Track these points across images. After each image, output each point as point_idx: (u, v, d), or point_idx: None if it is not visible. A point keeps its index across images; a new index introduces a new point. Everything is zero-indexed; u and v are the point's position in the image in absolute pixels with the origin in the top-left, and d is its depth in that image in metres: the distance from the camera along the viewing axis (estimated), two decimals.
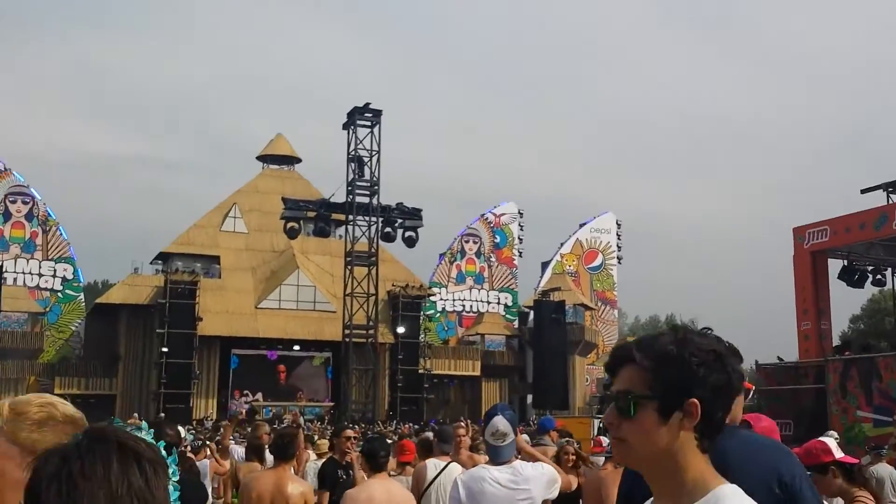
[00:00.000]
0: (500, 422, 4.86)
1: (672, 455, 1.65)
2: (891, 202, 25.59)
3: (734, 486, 1.68)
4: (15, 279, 46.81)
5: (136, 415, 34.79)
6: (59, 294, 48.84)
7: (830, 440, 5.18)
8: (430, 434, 9.63)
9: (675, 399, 1.65)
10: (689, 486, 1.65)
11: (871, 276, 25.96)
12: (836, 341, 23.18)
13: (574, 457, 7.29)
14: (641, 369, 1.68)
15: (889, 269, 27.41)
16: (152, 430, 1.56)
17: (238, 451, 10.87)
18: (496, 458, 4.83)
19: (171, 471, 1.46)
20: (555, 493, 4.90)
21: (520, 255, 61.34)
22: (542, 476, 4.83)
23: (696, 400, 1.64)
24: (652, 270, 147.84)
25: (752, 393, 2.99)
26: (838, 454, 4.84)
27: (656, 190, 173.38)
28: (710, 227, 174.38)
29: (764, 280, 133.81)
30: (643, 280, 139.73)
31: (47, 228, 49.01)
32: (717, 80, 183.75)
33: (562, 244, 64.35)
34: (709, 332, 1.76)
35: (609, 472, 5.36)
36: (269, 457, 8.63)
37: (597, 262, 64.43)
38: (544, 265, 63.46)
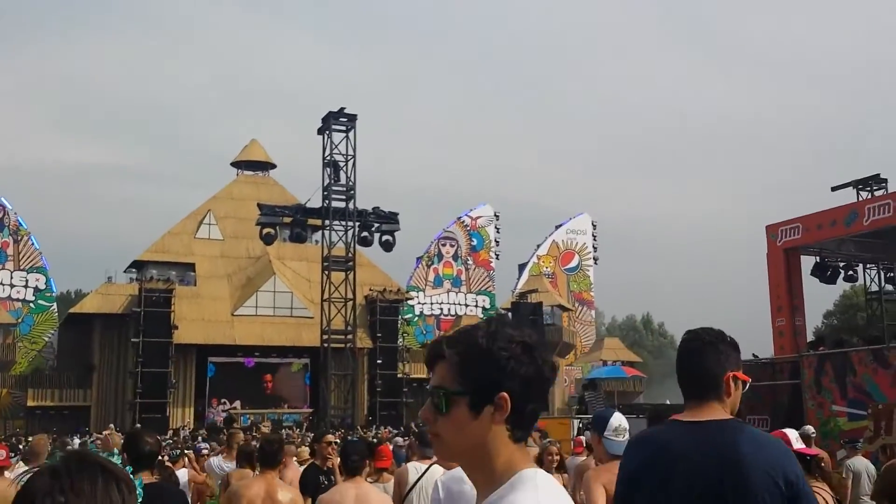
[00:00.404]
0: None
1: (485, 447, 1.68)
2: (860, 199, 25.94)
3: (538, 469, 1.70)
4: None
5: (111, 425, 34.47)
6: (32, 304, 48.29)
7: (791, 431, 5.30)
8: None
9: (486, 393, 1.67)
10: (498, 474, 1.67)
11: (843, 272, 26.24)
12: (810, 337, 23.41)
13: (558, 457, 7.33)
14: (452, 365, 1.70)
15: (860, 265, 27.74)
16: (121, 456, 1.84)
17: (217, 461, 10.77)
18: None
19: (138, 492, 1.75)
20: None
21: (497, 258, 61.50)
22: None
23: (505, 393, 1.66)
24: (628, 271, 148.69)
25: (747, 385, 3.02)
26: (797, 445, 4.95)
27: (632, 191, 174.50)
28: (685, 227, 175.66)
29: (738, 278, 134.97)
30: (620, 280, 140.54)
31: (18, 238, 48.44)
32: (698, 81, 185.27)
33: (538, 246, 64.59)
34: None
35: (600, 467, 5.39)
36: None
37: (573, 264, 64.72)
38: (521, 267, 63.67)
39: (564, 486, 6.89)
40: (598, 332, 68.49)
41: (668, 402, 40.29)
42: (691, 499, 2.72)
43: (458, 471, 4.97)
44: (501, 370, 1.66)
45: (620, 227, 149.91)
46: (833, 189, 28.14)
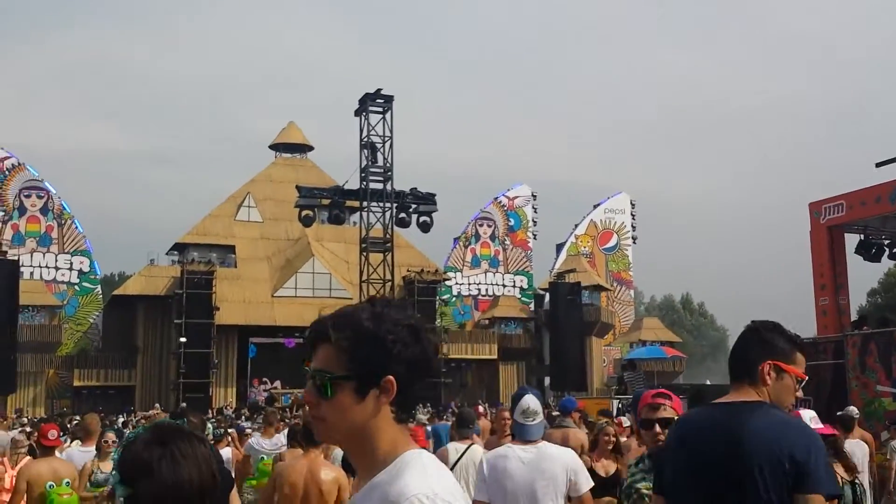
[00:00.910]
0: (531, 400, 4.97)
1: (368, 430, 1.66)
2: None
3: (421, 450, 1.69)
4: (31, 273, 47.14)
5: (157, 405, 35.08)
6: (76, 287, 49.17)
7: (806, 412, 5.30)
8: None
9: (373, 378, 1.64)
10: (381, 457, 1.65)
11: (887, 249, 25.76)
12: (853, 316, 23.09)
13: (614, 438, 7.26)
14: (338, 348, 1.67)
15: None
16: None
17: (255, 440, 10.91)
18: (525, 436, 4.89)
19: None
20: (585, 480, 4.84)
21: (534, 238, 61.29)
22: (566, 456, 4.86)
23: (391, 377, 1.64)
24: (667, 250, 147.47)
25: (803, 382, 3.01)
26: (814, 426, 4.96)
27: (671, 169, 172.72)
28: (726, 205, 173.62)
29: (781, 257, 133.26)
30: (659, 260, 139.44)
31: (63, 222, 49.28)
32: (731, 62, 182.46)
33: (576, 226, 64.26)
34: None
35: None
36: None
37: (611, 243, 64.33)
38: (559, 247, 63.42)
39: (619, 469, 6.82)
40: (636, 312, 68.10)
41: (707, 383, 40.00)
42: (694, 471, 2.86)
43: (504, 448, 5.01)
44: (388, 354, 1.64)
45: (660, 206, 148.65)
46: (877, 165, 27.56)
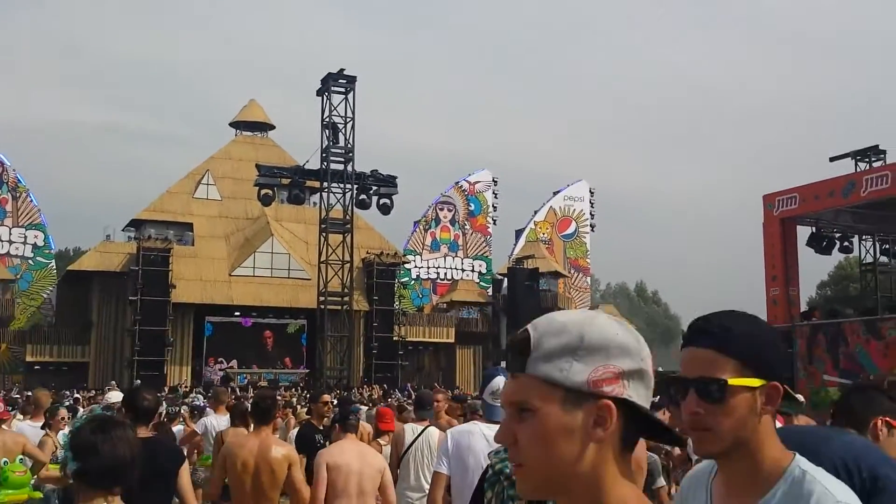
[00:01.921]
0: (501, 381, 5.05)
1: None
2: (858, 170, 25.97)
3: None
4: None
5: (113, 382, 34.74)
6: (30, 261, 48.34)
7: None
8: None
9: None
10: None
11: (838, 242, 26.33)
12: (803, 307, 23.57)
13: None
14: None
15: (856, 237, 27.83)
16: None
17: (208, 419, 10.90)
18: (492, 416, 4.98)
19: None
20: None
21: (494, 223, 61.50)
22: None
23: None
24: (624, 239, 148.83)
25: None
26: None
27: (629, 159, 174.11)
28: (681, 196, 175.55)
29: (734, 248, 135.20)
30: (615, 248, 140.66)
31: (17, 195, 48.36)
32: (698, 54, 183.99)
33: (535, 212, 64.57)
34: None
35: None
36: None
37: (570, 230, 64.74)
38: (518, 233, 63.69)
39: None
40: (592, 299, 68.73)
41: (660, 369, 40.58)
42: None
43: (470, 424, 5.09)
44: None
45: (617, 195, 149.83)
46: (831, 159, 28.18)
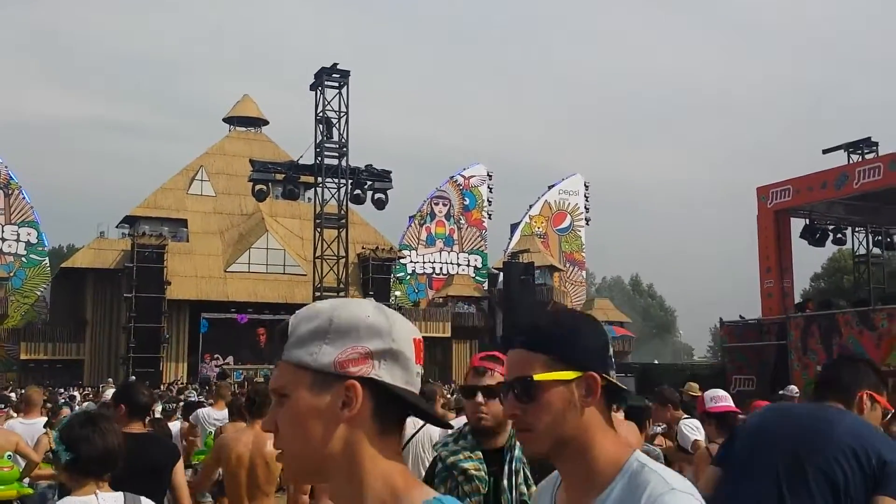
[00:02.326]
0: None
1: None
2: (851, 162, 26.02)
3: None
4: None
5: (109, 379, 34.69)
6: (23, 258, 48.24)
7: (710, 392, 5.69)
8: None
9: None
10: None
11: (831, 234, 26.41)
12: (797, 299, 23.63)
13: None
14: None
15: (849, 228, 27.91)
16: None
17: (206, 412, 10.93)
18: None
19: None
20: None
21: (489, 218, 61.51)
22: None
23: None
24: (619, 232, 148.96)
25: (888, 414, 3.14)
26: (710, 405, 5.55)
27: (624, 153, 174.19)
28: (677, 189, 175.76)
29: (729, 240, 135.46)
30: (610, 241, 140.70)
31: (10, 192, 48.22)
32: (690, 48, 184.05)
33: (531, 206, 64.61)
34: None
35: None
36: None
37: (565, 224, 64.80)
38: (513, 227, 63.74)
39: None
40: (588, 293, 68.84)
41: (656, 362, 40.68)
42: (773, 449, 2.83)
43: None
44: None
45: (612, 189, 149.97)
46: (824, 152, 28.20)
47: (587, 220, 65.71)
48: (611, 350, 1.63)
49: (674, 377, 21.11)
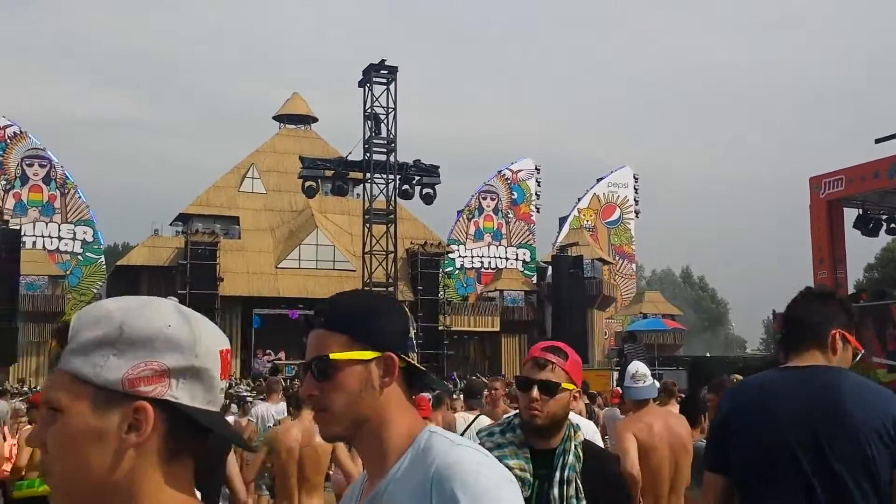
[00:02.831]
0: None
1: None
2: None
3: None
4: (34, 243, 47.24)
5: None
6: (80, 257, 49.31)
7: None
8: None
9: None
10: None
11: (885, 224, 25.91)
12: (851, 290, 23.26)
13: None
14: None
15: None
16: None
17: (265, 407, 11.16)
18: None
19: None
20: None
21: (537, 211, 61.33)
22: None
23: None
24: (669, 224, 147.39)
25: (859, 354, 2.84)
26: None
27: (674, 143, 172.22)
28: (726, 180, 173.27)
29: (780, 231, 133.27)
30: (660, 233, 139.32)
31: (66, 191, 49.32)
32: (737, 32, 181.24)
33: (579, 199, 64.32)
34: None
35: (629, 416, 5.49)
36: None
37: (614, 217, 64.39)
38: (562, 220, 63.50)
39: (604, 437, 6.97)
40: (638, 286, 68.32)
41: (707, 355, 40.27)
42: (783, 441, 2.59)
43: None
44: None
45: (662, 180, 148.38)
46: (877, 141, 27.61)
47: (637, 212, 65.21)
48: (411, 332, 1.60)
49: (726, 370, 20.93)
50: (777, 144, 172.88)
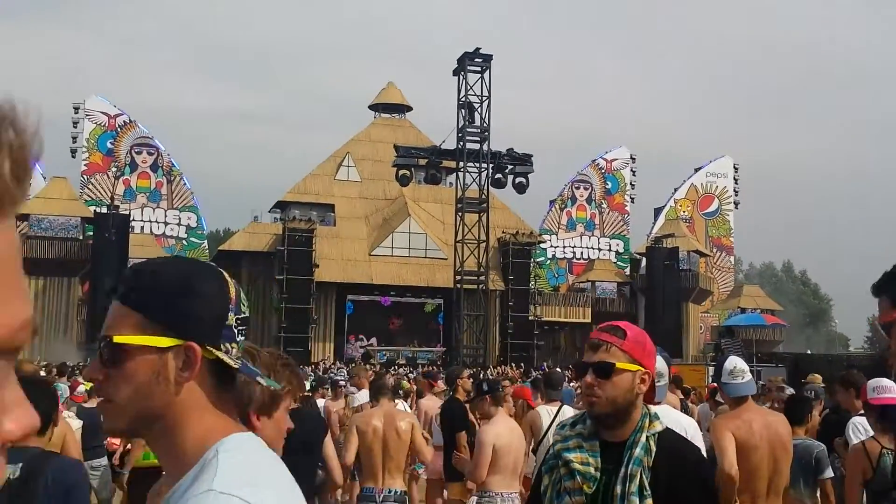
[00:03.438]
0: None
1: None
2: None
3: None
4: (142, 227, 49.15)
5: None
6: (184, 241, 51.03)
7: (871, 381, 5.27)
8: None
9: None
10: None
11: None
12: None
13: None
14: None
15: None
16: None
17: (365, 394, 11.38)
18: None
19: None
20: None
21: (632, 201, 60.49)
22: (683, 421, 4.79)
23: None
24: (770, 216, 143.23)
25: None
26: (871, 395, 5.03)
27: (777, 132, 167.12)
28: (833, 171, 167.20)
29: (887, 223, 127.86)
30: (760, 226, 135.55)
31: (172, 178, 51.05)
32: (844, 15, 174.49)
33: (676, 189, 63.10)
34: None
35: (727, 413, 5.35)
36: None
37: (712, 208, 62.98)
38: (657, 211, 62.43)
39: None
40: (736, 279, 66.66)
41: (808, 352, 38.99)
42: None
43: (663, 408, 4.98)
44: None
45: (763, 171, 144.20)
46: None
47: (736, 203, 63.58)
48: (233, 318, 1.32)
49: (827, 368, 20.23)
50: (886, 132, 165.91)
